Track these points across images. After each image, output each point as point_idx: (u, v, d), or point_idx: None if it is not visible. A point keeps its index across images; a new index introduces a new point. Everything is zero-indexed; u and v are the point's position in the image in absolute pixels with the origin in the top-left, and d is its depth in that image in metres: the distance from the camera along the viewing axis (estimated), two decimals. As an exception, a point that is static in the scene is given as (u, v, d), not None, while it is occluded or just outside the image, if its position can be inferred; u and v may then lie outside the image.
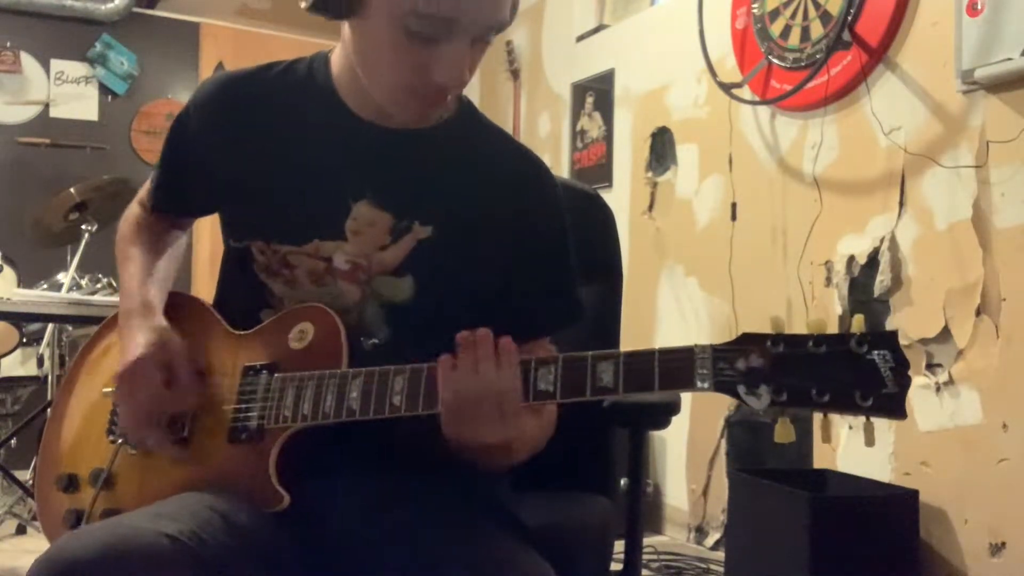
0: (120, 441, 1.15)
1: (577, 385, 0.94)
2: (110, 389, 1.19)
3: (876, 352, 0.84)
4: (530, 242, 1.16)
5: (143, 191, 1.32)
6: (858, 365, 0.84)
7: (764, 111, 3.28)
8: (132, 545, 0.88)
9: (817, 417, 0.89)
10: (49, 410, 1.30)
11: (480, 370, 0.96)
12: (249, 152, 1.16)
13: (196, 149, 1.20)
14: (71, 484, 1.17)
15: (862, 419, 0.88)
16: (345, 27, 1.08)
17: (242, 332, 1.16)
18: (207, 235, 4.82)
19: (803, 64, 3.05)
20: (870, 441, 0.92)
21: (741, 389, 0.87)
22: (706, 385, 0.88)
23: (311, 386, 1.05)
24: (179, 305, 1.22)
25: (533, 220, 1.16)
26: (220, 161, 1.17)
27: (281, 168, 1.15)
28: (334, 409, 1.03)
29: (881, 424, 2.74)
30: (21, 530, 3.39)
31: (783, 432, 0.90)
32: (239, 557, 0.94)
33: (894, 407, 0.83)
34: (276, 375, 1.09)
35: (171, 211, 1.30)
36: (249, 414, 1.08)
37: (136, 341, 1.12)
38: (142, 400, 1.10)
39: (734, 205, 3.39)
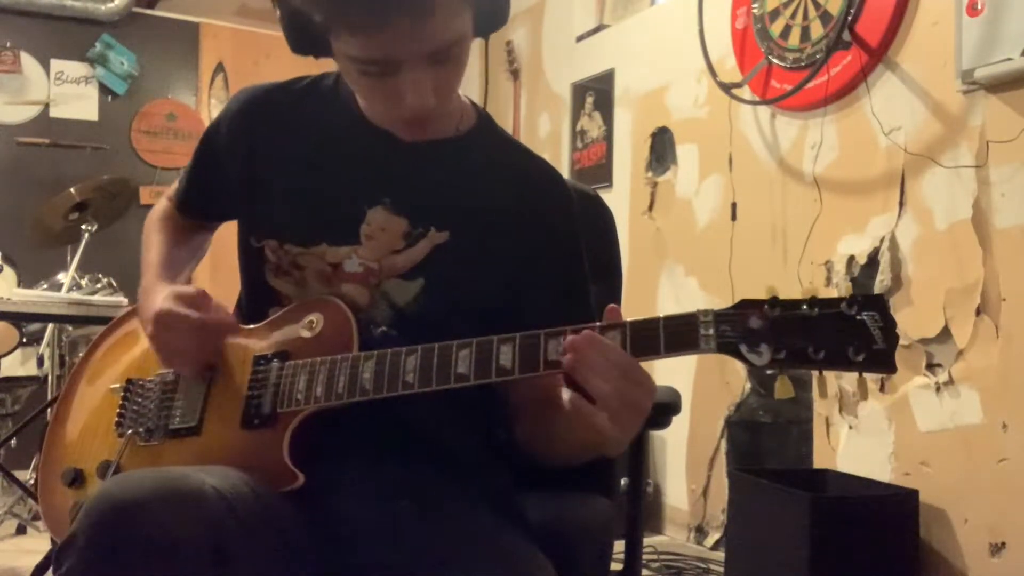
0: (130, 432, 1.15)
1: None
2: (117, 386, 1.21)
3: (865, 313, 0.88)
4: (544, 250, 1.18)
5: (173, 188, 1.37)
6: (850, 325, 0.88)
7: (764, 111, 3.28)
8: (181, 488, 0.90)
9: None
10: (52, 409, 1.30)
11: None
12: (272, 157, 1.19)
13: (223, 156, 1.24)
14: (77, 478, 1.17)
15: (856, 378, 0.92)
16: None
17: (253, 326, 1.18)
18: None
19: (803, 64, 3.05)
20: (863, 395, 0.96)
21: (743, 348, 0.90)
22: (710, 346, 0.91)
23: (323, 370, 1.07)
24: None
25: (548, 229, 1.19)
26: (244, 166, 1.21)
27: (301, 172, 1.18)
28: (347, 389, 1.04)
29: (881, 424, 2.74)
30: (21, 530, 3.40)
31: (782, 389, 0.96)
32: (264, 523, 0.96)
33: (885, 362, 0.88)
34: (288, 362, 1.10)
35: (196, 214, 1.35)
36: (262, 400, 1.09)
37: (162, 294, 1.15)
38: (182, 334, 1.12)
39: (734, 205, 3.39)
